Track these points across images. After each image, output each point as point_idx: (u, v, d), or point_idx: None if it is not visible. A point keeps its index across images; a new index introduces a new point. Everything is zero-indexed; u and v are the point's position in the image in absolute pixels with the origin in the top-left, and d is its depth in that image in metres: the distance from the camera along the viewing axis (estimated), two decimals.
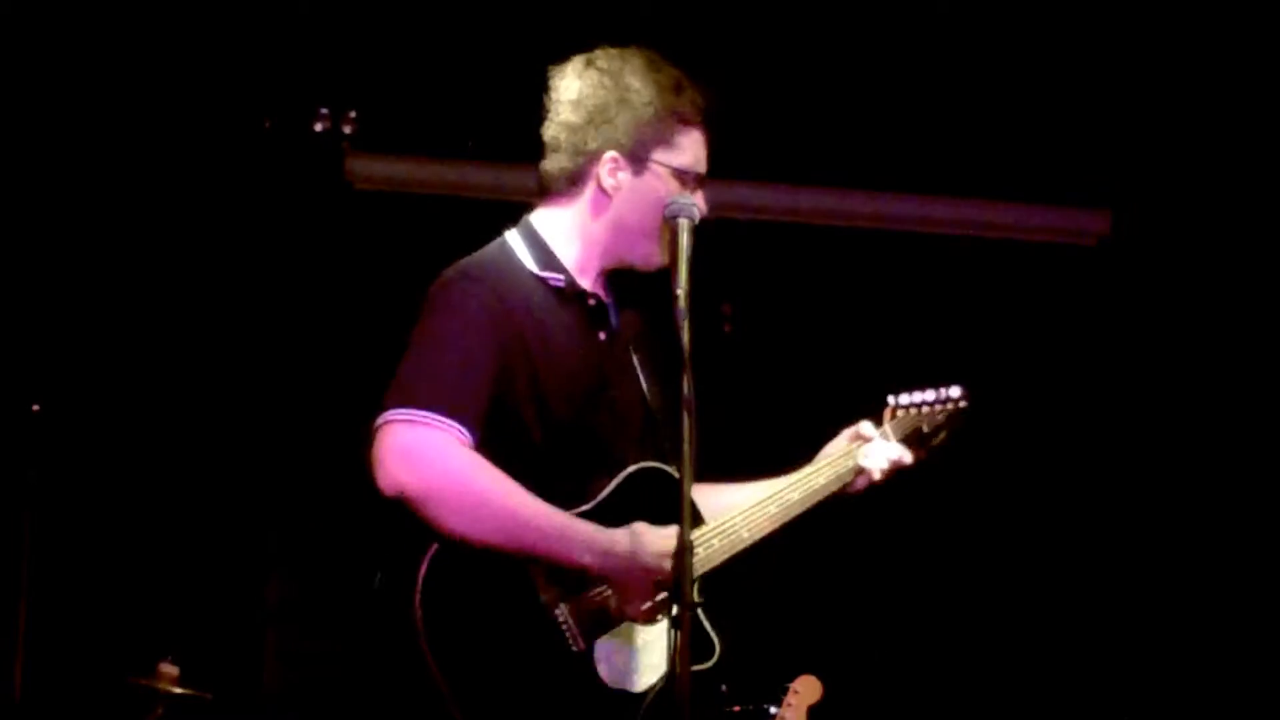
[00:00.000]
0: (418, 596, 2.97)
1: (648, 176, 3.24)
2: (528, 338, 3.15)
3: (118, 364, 6.01)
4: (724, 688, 4.06)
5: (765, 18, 5.67)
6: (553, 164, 3.29)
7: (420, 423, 3.01)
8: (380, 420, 3.05)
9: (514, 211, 6.80)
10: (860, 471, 3.46)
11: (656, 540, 3.06)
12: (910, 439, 3.54)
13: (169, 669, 5.13)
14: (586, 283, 3.29)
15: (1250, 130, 6.01)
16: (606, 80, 3.26)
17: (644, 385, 3.32)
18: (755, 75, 5.70)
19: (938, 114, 6.05)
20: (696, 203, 3.20)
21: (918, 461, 3.53)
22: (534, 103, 3.45)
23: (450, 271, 3.23)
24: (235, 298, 6.11)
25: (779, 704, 5.00)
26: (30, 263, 5.90)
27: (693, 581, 2.87)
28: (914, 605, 6.29)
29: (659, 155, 3.24)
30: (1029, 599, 6.33)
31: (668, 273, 3.06)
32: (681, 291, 2.99)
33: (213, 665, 5.42)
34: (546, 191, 3.32)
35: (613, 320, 3.31)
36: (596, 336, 3.27)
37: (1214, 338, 6.31)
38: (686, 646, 2.80)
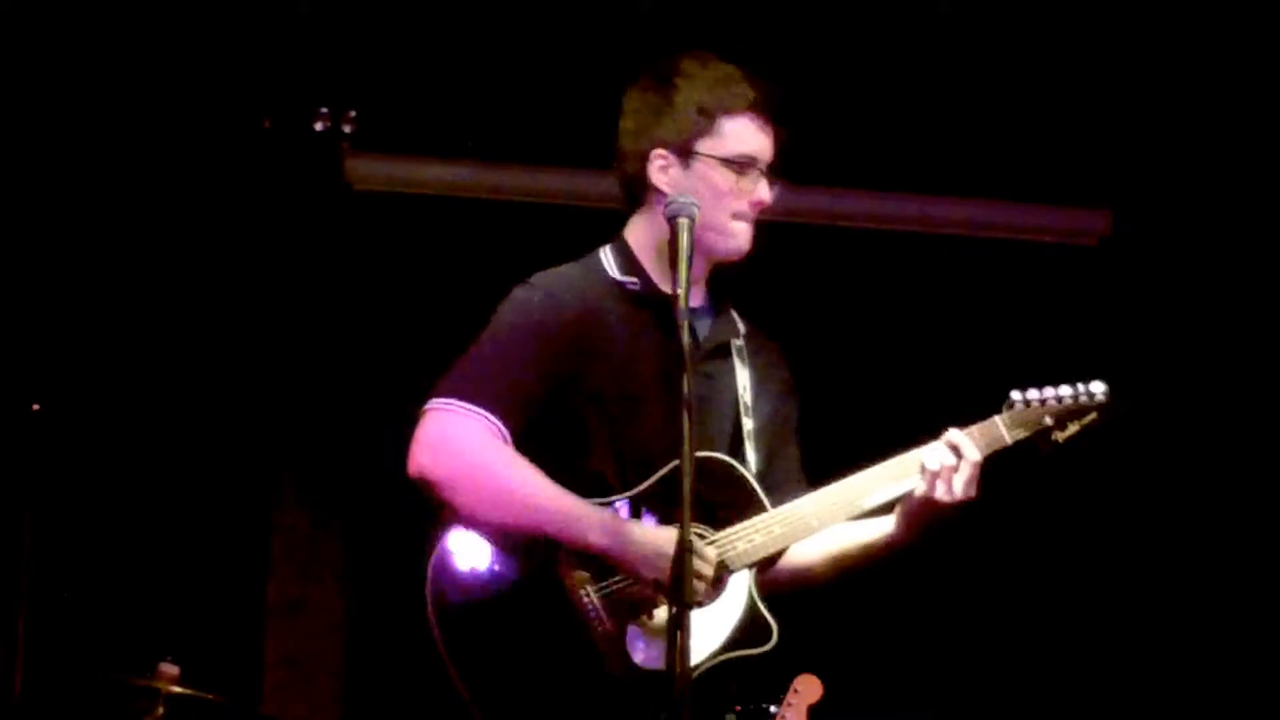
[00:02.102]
0: (429, 579, 3.07)
1: (698, 168, 3.29)
2: (589, 339, 3.25)
3: (118, 364, 6.01)
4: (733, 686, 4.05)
5: (765, 18, 5.67)
6: (620, 173, 3.39)
7: (451, 410, 3.15)
8: (421, 409, 3.20)
9: (513, 212, 6.81)
10: (919, 464, 3.31)
11: (657, 535, 3.10)
12: (1031, 435, 3.44)
13: (169, 669, 5.13)
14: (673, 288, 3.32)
15: (1250, 130, 6.01)
16: (656, 84, 3.36)
17: (741, 396, 3.36)
18: (753, 75, 5.69)
19: (938, 114, 6.05)
20: (760, 193, 3.31)
21: (1045, 454, 3.44)
22: (533, 103, 3.47)
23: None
24: (234, 298, 6.11)
25: (779, 704, 5.00)
26: (30, 263, 5.90)
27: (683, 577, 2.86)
28: (914, 605, 6.29)
29: (705, 146, 3.30)
30: (1029, 599, 6.33)
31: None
32: (682, 291, 3.00)
33: (213, 665, 5.41)
34: (625, 201, 3.41)
35: (696, 326, 3.34)
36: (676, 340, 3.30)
37: (1214, 337, 6.31)
38: (687, 647, 2.80)
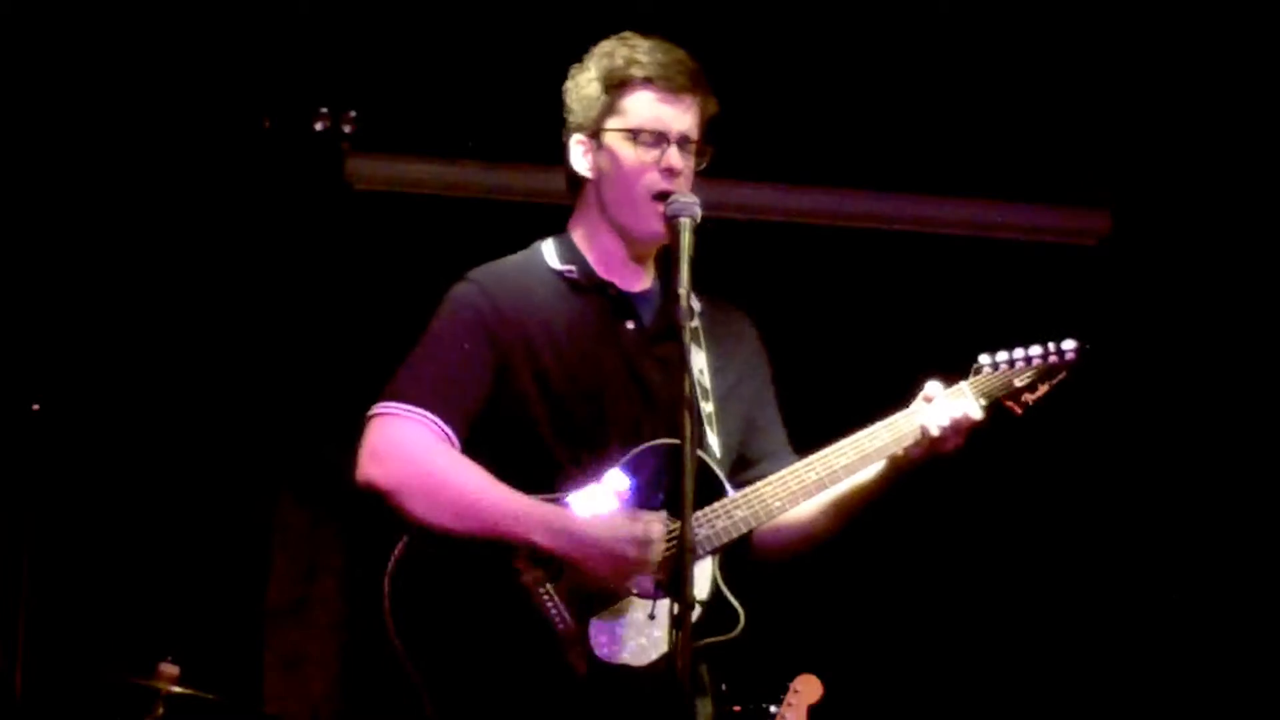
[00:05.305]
0: (386, 588, 3.07)
1: (607, 147, 3.29)
2: (528, 329, 3.23)
3: (118, 364, 6.01)
4: (724, 687, 4.06)
5: (765, 18, 5.67)
6: (564, 168, 3.38)
7: (395, 415, 3.18)
8: (367, 415, 3.22)
9: (513, 212, 6.81)
10: (922, 431, 3.24)
11: (625, 523, 3.07)
12: (1001, 400, 3.38)
13: (169, 669, 5.13)
14: (614, 274, 3.32)
15: (1250, 130, 6.01)
16: (574, 70, 3.37)
17: (699, 379, 3.30)
18: (754, 75, 5.70)
19: (938, 114, 6.05)
20: (671, 163, 3.23)
21: (1018, 416, 3.37)
22: (533, 103, 3.47)
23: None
24: (235, 298, 6.11)
25: (779, 704, 5.01)
26: (30, 262, 5.90)
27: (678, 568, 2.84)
28: (914, 605, 6.29)
29: (610, 123, 3.29)
30: (1028, 599, 6.33)
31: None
32: (682, 291, 2.99)
33: (213, 665, 5.42)
34: (568, 192, 3.41)
35: (641, 311, 3.32)
36: (620, 325, 3.30)
37: (1214, 337, 6.31)
38: (688, 646, 2.79)
